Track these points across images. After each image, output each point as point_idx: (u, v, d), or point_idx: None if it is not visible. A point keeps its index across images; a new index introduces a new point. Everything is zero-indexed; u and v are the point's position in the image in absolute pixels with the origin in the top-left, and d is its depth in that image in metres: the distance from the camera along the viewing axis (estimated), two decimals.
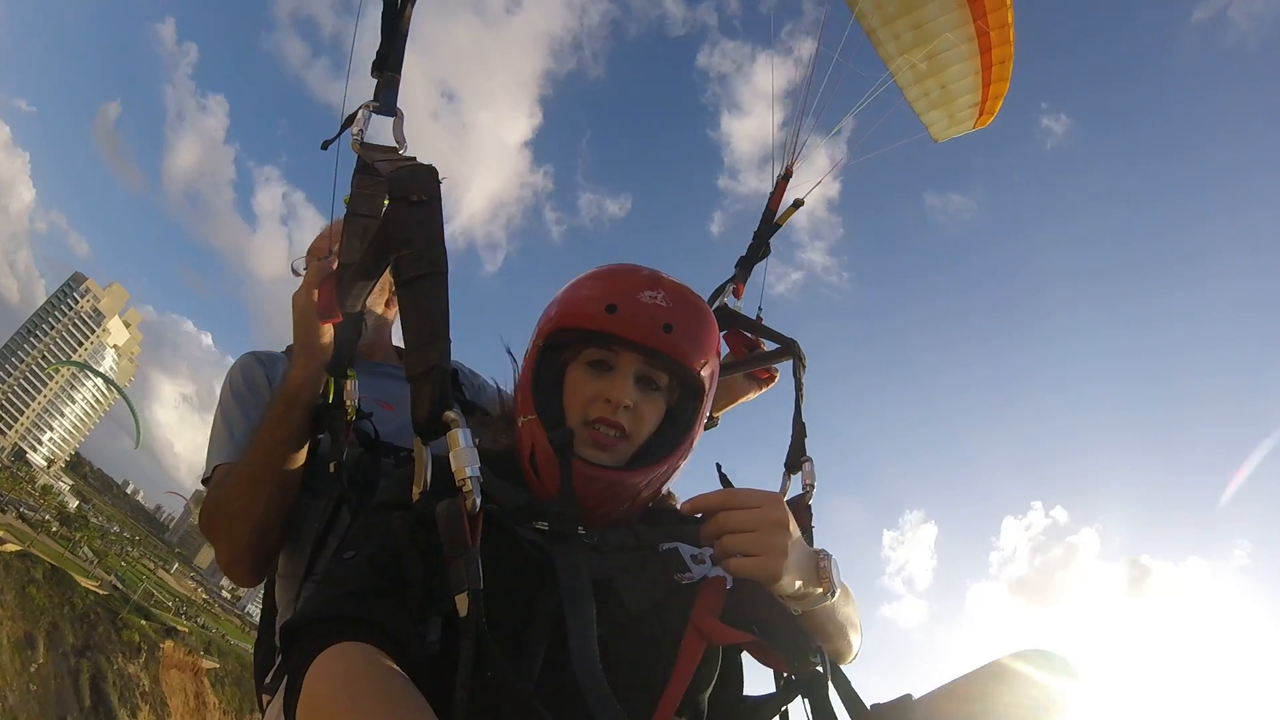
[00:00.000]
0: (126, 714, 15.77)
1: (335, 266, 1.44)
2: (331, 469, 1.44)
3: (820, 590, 1.06)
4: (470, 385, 1.94)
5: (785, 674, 1.10)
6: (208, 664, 22.69)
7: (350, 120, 1.31)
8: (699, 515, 1.09)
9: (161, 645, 20.80)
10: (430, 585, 0.98)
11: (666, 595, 1.07)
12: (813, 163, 2.25)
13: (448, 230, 1.11)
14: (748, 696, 1.20)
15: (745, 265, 2.09)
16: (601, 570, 1.07)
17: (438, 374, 1.02)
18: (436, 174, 1.15)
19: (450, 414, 1.01)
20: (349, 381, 1.44)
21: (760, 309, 2.06)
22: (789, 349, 1.75)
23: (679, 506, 1.15)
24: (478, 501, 0.96)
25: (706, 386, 1.24)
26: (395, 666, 0.88)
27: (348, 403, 1.44)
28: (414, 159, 1.22)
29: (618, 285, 1.21)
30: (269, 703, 1.44)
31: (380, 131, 1.31)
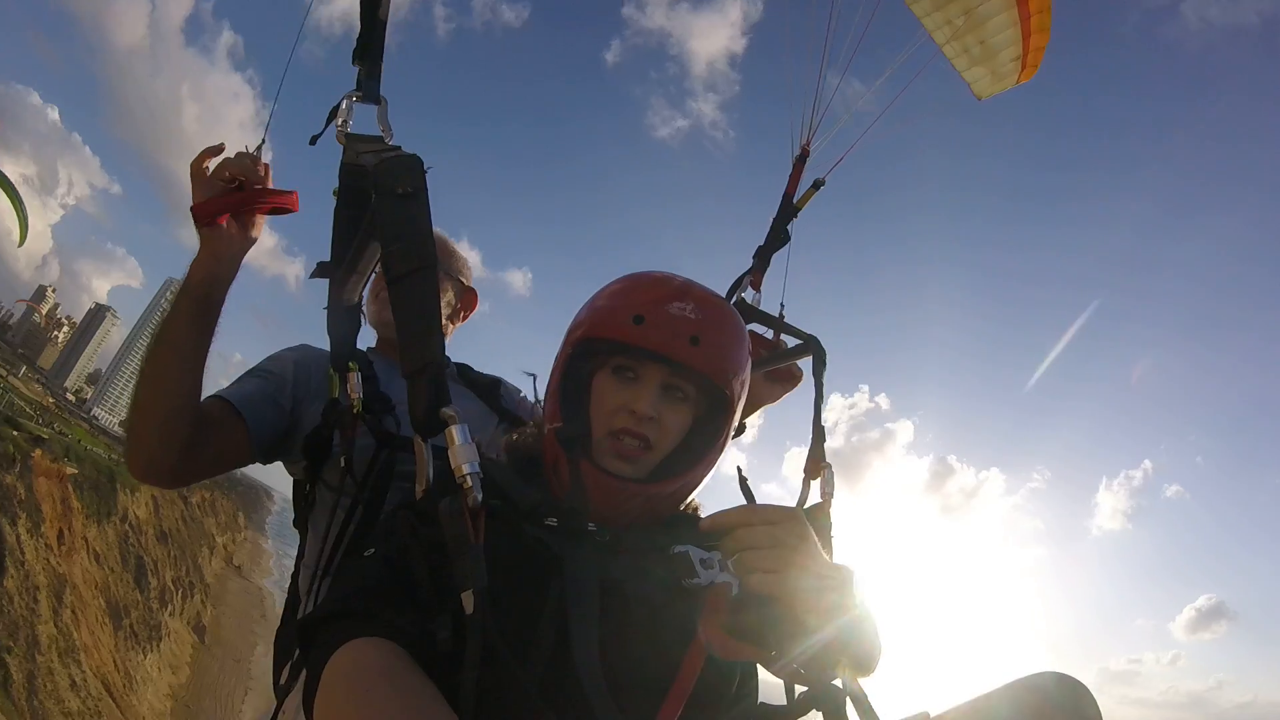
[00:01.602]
0: (8, 523, 17.82)
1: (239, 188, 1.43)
2: (342, 464, 1.41)
3: (844, 609, 1.04)
4: (509, 397, 2.00)
5: (800, 687, 1.08)
6: (70, 470, 24.90)
7: (335, 112, 1.30)
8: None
9: (32, 454, 22.75)
10: (437, 583, 0.97)
11: (674, 598, 1.04)
12: (831, 138, 2.05)
13: None
14: (763, 704, 1.18)
15: (763, 255, 1.95)
16: (610, 569, 1.06)
17: (433, 370, 1.03)
18: (421, 164, 1.15)
19: (447, 410, 1.02)
20: (351, 375, 1.40)
21: (782, 305, 1.93)
22: (809, 346, 1.64)
23: (699, 524, 1.09)
24: (479, 498, 0.96)
25: (734, 399, 1.22)
26: (412, 662, 0.89)
27: (353, 396, 1.40)
28: (399, 148, 1.22)
29: (646, 296, 1.20)
30: (285, 702, 1.41)
31: (365, 121, 1.31)
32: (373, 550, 1.11)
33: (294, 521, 1.65)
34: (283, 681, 1.41)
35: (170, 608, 29.76)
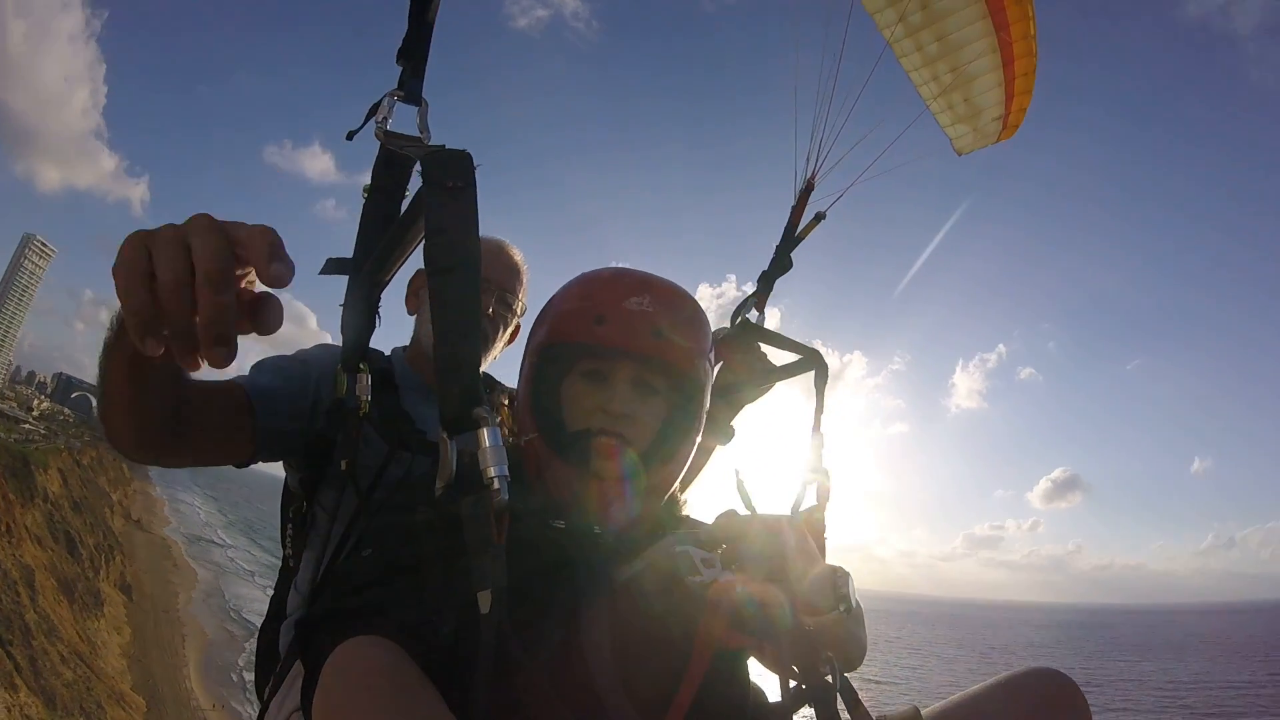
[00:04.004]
0: None
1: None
2: (343, 467, 1.38)
3: (837, 608, 1.07)
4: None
5: (794, 682, 1.11)
6: None
7: (375, 109, 1.25)
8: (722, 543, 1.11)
9: None
10: (448, 580, 0.96)
11: (679, 596, 1.06)
12: (834, 173, 2.07)
13: None
14: (755, 704, 1.21)
15: (767, 280, 1.97)
16: (617, 569, 1.07)
17: (468, 370, 1.01)
18: (471, 160, 1.11)
19: (479, 411, 0.99)
20: (362, 376, 1.37)
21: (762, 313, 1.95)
22: (811, 360, 1.63)
23: (700, 534, 1.12)
24: (505, 499, 0.95)
25: (704, 381, 1.25)
26: (411, 661, 0.88)
27: (361, 398, 1.37)
28: (442, 146, 1.17)
29: (604, 295, 1.21)
30: (271, 703, 1.40)
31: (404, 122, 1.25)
32: (370, 551, 1.13)
33: (283, 539, 1.54)
34: (269, 686, 1.41)
35: (101, 573, 31.38)
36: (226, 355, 0.72)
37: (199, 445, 1.42)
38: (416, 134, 1.24)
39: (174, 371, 1.18)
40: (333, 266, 1.33)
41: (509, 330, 1.99)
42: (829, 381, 1.60)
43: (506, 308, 1.94)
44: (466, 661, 0.90)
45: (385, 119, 1.24)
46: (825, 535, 1.44)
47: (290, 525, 1.55)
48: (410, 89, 1.27)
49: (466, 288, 1.03)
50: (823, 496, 1.47)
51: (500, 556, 0.92)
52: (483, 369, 1.98)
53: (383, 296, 1.35)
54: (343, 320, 1.35)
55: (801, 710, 1.13)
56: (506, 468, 0.96)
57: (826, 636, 1.09)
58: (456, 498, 0.97)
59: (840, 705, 1.08)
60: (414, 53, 1.28)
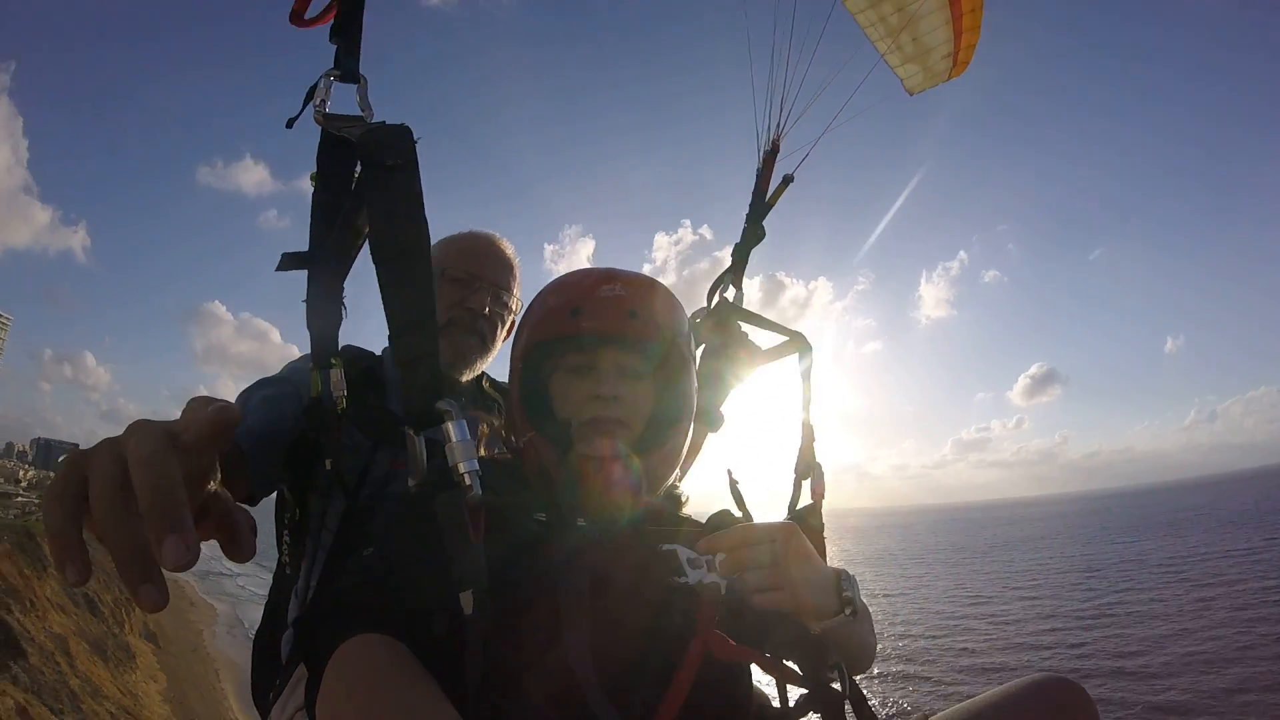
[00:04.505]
0: (4, 611, 19.87)
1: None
2: (328, 466, 1.35)
3: (842, 612, 1.06)
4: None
5: (798, 689, 1.07)
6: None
7: (312, 92, 1.20)
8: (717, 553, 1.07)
9: None
10: (434, 578, 0.93)
11: (663, 596, 1.04)
12: (798, 131, 1.97)
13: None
14: (760, 706, 1.18)
15: (741, 253, 1.87)
16: (600, 566, 1.03)
17: (427, 362, 0.99)
18: (411, 134, 1.08)
19: (443, 404, 0.97)
20: (335, 371, 1.31)
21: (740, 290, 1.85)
22: (795, 343, 1.52)
23: (695, 548, 1.07)
24: (479, 494, 0.93)
25: (687, 355, 1.26)
26: (414, 657, 0.87)
27: (337, 394, 1.31)
28: (382, 123, 1.14)
29: (577, 289, 1.23)
30: (274, 707, 1.37)
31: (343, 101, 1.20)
32: (370, 550, 1.09)
33: (279, 546, 1.48)
34: (272, 693, 1.39)
35: (125, 627, 31.75)
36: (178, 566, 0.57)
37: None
38: (358, 113, 1.21)
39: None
40: (289, 262, 1.26)
41: (507, 327, 1.95)
42: (814, 364, 1.48)
43: (502, 305, 1.92)
44: (458, 660, 0.89)
45: (324, 101, 1.20)
46: (824, 535, 1.38)
47: (286, 532, 1.48)
48: (346, 66, 1.23)
49: (420, 274, 1.01)
50: (818, 493, 1.39)
51: (479, 556, 0.91)
52: (484, 368, 1.97)
53: (346, 288, 1.31)
54: (307, 317, 1.29)
55: (807, 717, 1.08)
56: (477, 461, 0.95)
57: (832, 641, 1.07)
58: (431, 494, 0.95)
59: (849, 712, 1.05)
60: (347, 28, 1.24)
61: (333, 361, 1.32)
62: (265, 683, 1.48)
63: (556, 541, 1.06)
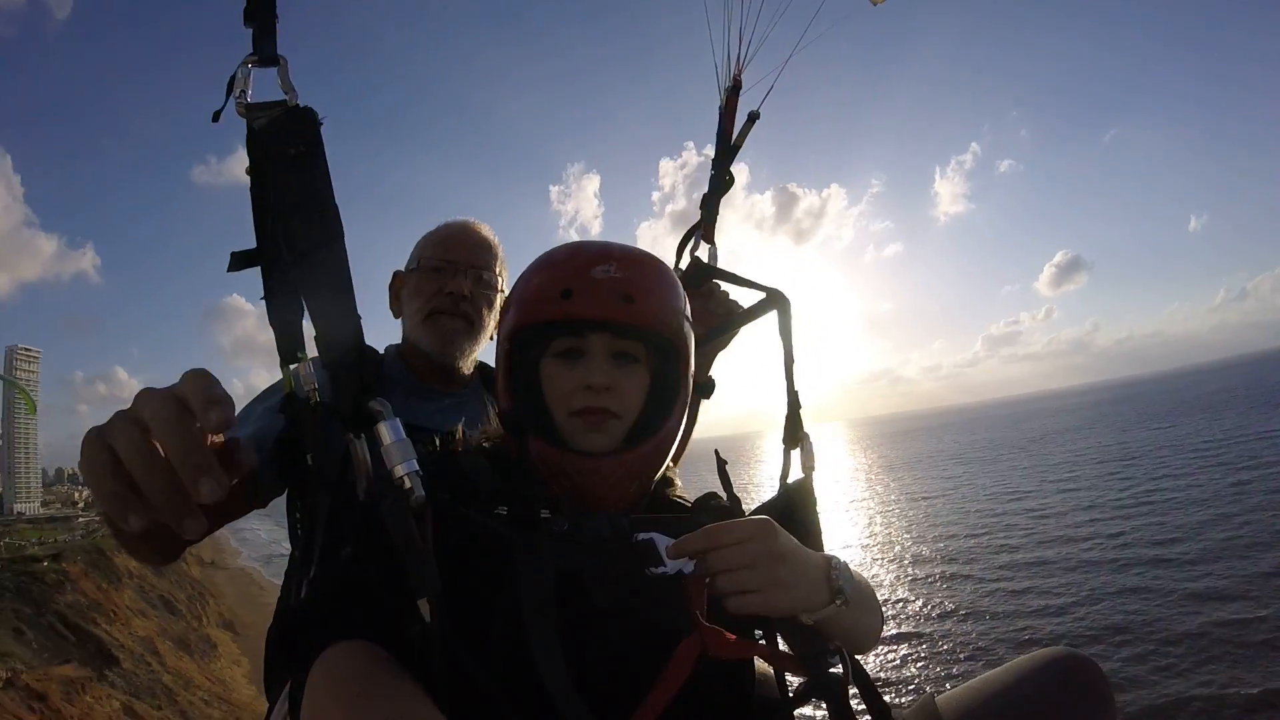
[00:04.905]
0: (92, 625, 21.69)
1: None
2: (309, 461, 1.27)
3: (834, 601, 1.00)
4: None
5: (796, 678, 1.03)
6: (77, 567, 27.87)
7: (232, 83, 1.12)
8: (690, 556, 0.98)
9: (70, 569, 25.51)
10: (395, 585, 0.90)
11: (638, 589, 0.99)
12: (758, 62, 1.81)
13: None
14: (760, 697, 1.11)
15: (709, 203, 1.77)
16: (568, 560, 0.98)
17: (351, 360, 0.96)
18: (313, 117, 1.03)
19: (374, 405, 0.94)
20: (301, 365, 1.20)
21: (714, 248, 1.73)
22: (773, 300, 1.43)
23: (666, 551, 1.01)
24: (422, 496, 0.90)
25: (685, 345, 1.16)
26: (396, 663, 0.85)
27: (308, 386, 1.20)
28: (296, 106, 1.07)
29: (567, 268, 1.13)
30: (275, 708, 1.37)
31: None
32: (348, 550, 1.04)
33: (292, 539, 1.49)
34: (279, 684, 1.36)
35: (203, 620, 33.54)
36: (215, 493, 0.69)
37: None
38: (282, 97, 1.13)
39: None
40: (238, 261, 1.23)
41: (494, 308, 1.89)
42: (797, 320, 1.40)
43: (486, 285, 1.87)
44: (426, 664, 0.87)
45: (244, 91, 1.14)
46: (817, 509, 1.28)
47: (299, 526, 1.49)
48: (263, 50, 1.15)
49: (335, 267, 0.97)
50: (808, 467, 1.31)
51: (429, 561, 0.87)
52: (478, 354, 1.94)
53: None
54: (268, 313, 1.24)
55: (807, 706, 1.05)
56: (416, 461, 0.92)
57: (827, 630, 1.02)
58: (377, 501, 0.93)
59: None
60: (260, 9, 1.17)
61: (299, 356, 1.24)
62: (272, 674, 1.51)
63: (518, 538, 0.98)
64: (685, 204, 40.54)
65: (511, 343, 1.17)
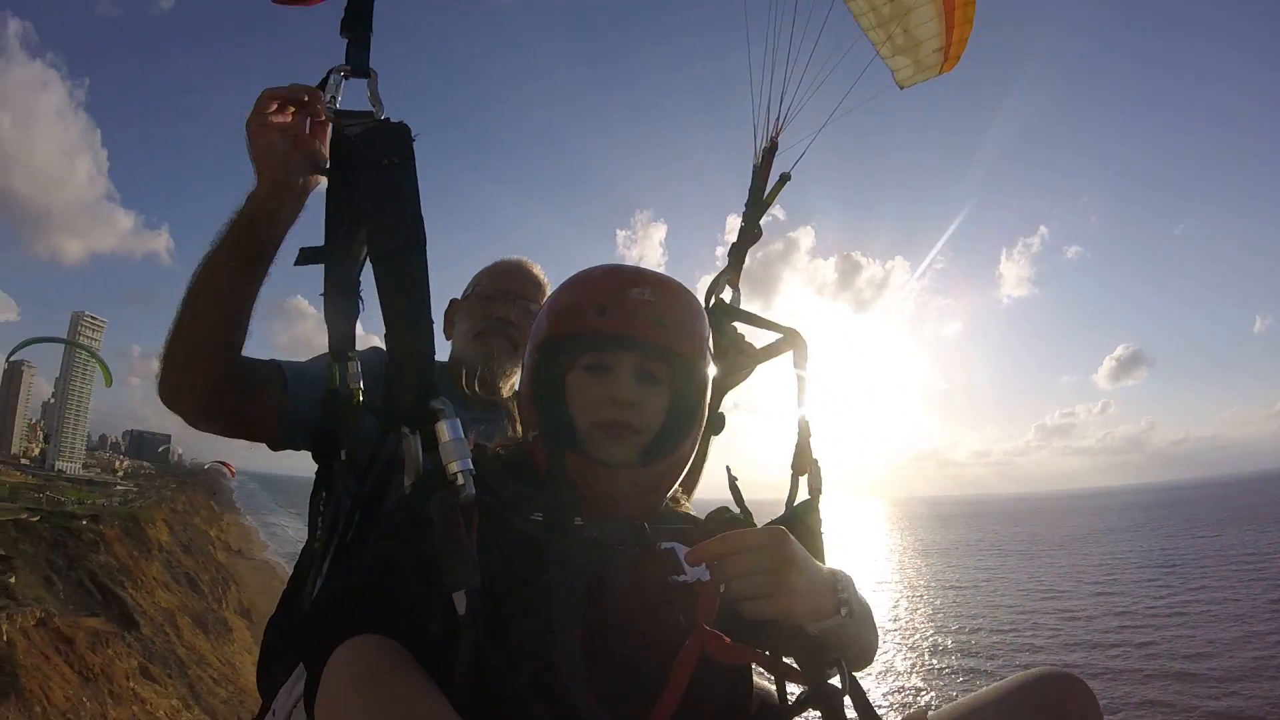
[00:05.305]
0: (119, 588, 22.73)
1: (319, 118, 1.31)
2: (343, 457, 1.34)
3: (839, 613, 1.05)
4: None
5: (796, 687, 1.07)
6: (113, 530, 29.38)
7: (322, 86, 1.24)
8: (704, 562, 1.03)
9: (105, 532, 26.89)
10: (429, 578, 0.95)
11: (661, 594, 1.05)
12: (795, 129, 1.99)
13: None
14: (760, 704, 1.18)
15: (737, 253, 1.90)
16: (596, 564, 1.04)
17: (422, 360, 1.03)
18: (409, 132, 1.10)
19: (436, 404, 1.00)
20: (351, 364, 1.31)
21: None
22: (790, 340, 1.54)
23: (684, 559, 1.05)
24: (471, 494, 0.95)
25: (705, 371, 1.23)
26: (411, 658, 0.88)
27: (352, 386, 1.31)
28: (386, 119, 1.17)
29: (604, 287, 1.19)
30: (275, 701, 1.39)
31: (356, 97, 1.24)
32: (370, 551, 1.11)
33: (312, 532, 1.48)
34: (282, 674, 1.39)
35: (222, 604, 34.28)
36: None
37: (234, 400, 1.55)
38: (369, 108, 1.22)
39: (253, 275, 1.42)
40: (306, 256, 1.30)
41: None
42: (810, 359, 1.50)
43: (532, 316, 1.87)
44: (452, 661, 0.90)
45: (334, 97, 1.24)
46: (822, 530, 1.38)
47: (320, 518, 1.48)
48: (356, 61, 1.25)
49: (414, 273, 1.03)
50: (815, 490, 1.40)
51: (472, 556, 0.92)
52: (517, 378, 1.99)
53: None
54: (325, 309, 1.29)
55: (806, 714, 1.08)
56: (470, 461, 0.98)
57: (830, 642, 1.06)
58: (426, 495, 0.98)
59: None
60: (355, 23, 1.26)
61: (350, 355, 1.32)
62: (273, 666, 1.46)
63: (552, 541, 1.05)
64: (749, 262, 39.38)
65: (541, 352, 1.22)
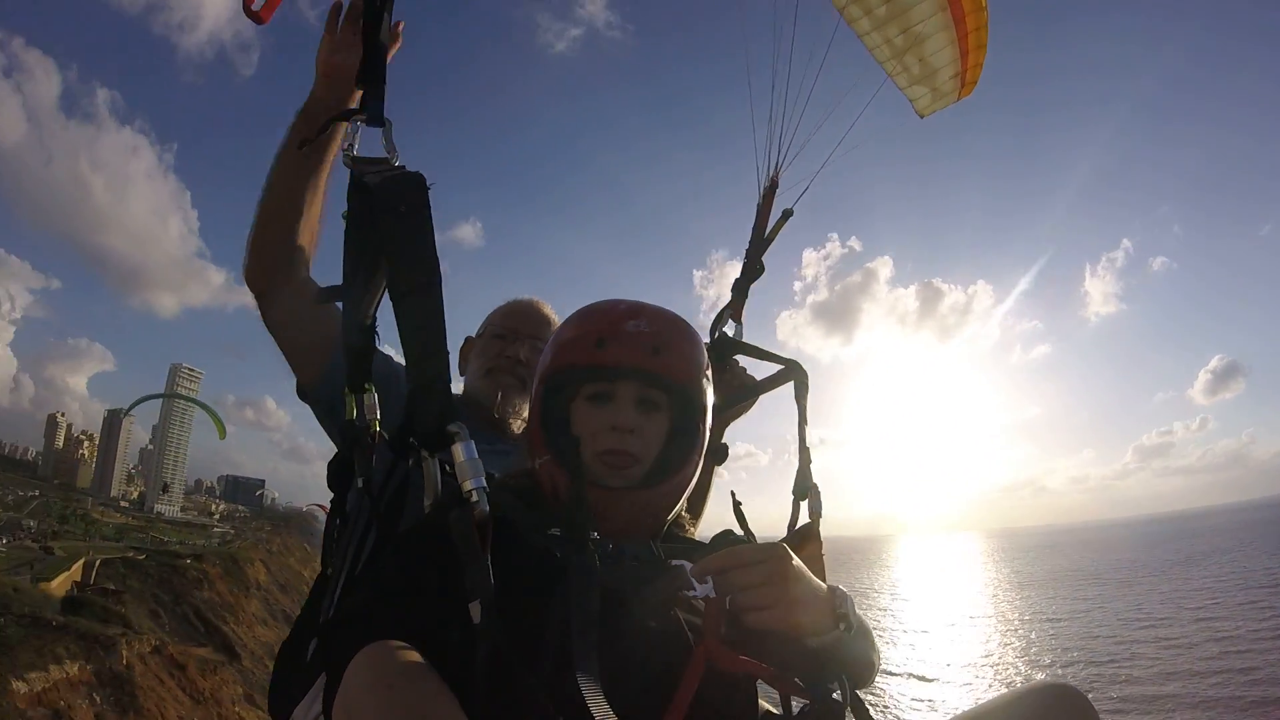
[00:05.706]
0: (220, 622, 24.15)
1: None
2: (360, 485, 1.37)
3: (838, 628, 1.09)
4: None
5: (800, 701, 1.10)
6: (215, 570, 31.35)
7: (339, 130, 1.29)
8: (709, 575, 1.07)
9: (210, 571, 28.47)
10: (447, 591, 1.00)
11: (673, 608, 1.09)
12: (796, 166, 2.07)
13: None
14: (764, 716, 1.20)
15: (741, 288, 1.97)
16: (612, 579, 1.07)
17: (440, 387, 1.09)
18: (424, 182, 1.17)
19: (453, 427, 1.07)
20: (367, 395, 1.35)
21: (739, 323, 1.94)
22: (791, 372, 1.61)
23: (690, 570, 1.09)
24: (485, 510, 1.00)
25: (703, 398, 1.28)
26: (429, 665, 0.90)
27: (369, 417, 1.35)
28: (403, 168, 1.24)
29: (603, 320, 1.26)
30: (295, 712, 1.40)
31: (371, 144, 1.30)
32: (389, 566, 1.16)
33: (325, 557, 1.49)
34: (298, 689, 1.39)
35: None
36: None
37: (291, 316, 1.74)
38: (385, 155, 1.28)
39: (319, 159, 1.69)
40: (325, 295, 1.42)
41: None
42: (811, 390, 1.56)
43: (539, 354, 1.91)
44: (469, 670, 0.93)
45: (351, 145, 1.28)
46: (822, 551, 1.42)
47: (334, 543, 1.52)
48: (372, 111, 1.32)
49: (430, 309, 1.11)
50: (815, 512, 1.45)
51: (486, 568, 0.97)
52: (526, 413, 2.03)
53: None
54: (342, 344, 1.37)
55: None
56: (484, 479, 1.04)
57: (830, 656, 1.09)
58: (444, 512, 1.05)
59: None
60: (372, 76, 1.34)
61: (366, 387, 1.36)
62: (288, 686, 1.46)
63: (568, 555, 1.08)
64: (827, 294, 37.99)
65: (546, 384, 1.28)
